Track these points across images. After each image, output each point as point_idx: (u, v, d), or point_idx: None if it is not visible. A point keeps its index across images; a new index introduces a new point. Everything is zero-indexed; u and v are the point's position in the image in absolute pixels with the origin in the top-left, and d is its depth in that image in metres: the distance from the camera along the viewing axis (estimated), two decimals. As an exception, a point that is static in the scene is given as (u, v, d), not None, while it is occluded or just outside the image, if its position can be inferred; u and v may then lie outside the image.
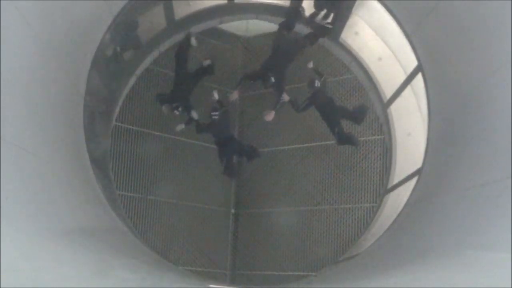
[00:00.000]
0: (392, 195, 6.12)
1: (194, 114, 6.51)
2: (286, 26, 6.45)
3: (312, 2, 6.58)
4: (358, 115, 6.32)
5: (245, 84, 6.95)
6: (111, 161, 6.37)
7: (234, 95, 6.81)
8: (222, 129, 6.41)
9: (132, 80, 6.74)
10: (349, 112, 6.36)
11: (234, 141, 6.67)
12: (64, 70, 3.89)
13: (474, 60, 3.49)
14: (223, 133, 6.44)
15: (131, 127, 6.66)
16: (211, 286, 5.21)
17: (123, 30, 5.56)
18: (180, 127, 6.57)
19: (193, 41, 6.69)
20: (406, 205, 4.73)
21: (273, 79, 6.29)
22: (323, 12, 6.69)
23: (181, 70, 6.58)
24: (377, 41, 6.71)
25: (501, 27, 2.93)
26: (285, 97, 6.30)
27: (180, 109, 6.48)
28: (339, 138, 6.26)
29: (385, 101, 6.45)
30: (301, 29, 6.83)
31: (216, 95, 6.51)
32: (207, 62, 6.80)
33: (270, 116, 6.39)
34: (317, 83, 6.13)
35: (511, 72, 2.81)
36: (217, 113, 6.20)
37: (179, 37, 6.88)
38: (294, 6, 6.49)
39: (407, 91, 5.97)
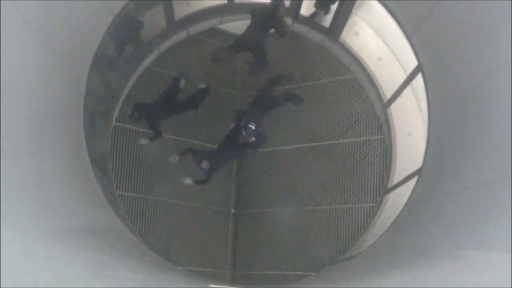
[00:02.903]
0: (392, 195, 6.11)
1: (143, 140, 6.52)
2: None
3: (313, 3, 6.60)
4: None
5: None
6: (111, 161, 6.37)
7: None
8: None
9: (132, 80, 6.74)
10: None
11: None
12: (64, 70, 3.89)
13: (474, 60, 3.49)
14: None
15: (131, 127, 6.66)
16: (211, 286, 5.21)
17: (125, 29, 5.54)
18: (144, 141, 6.55)
19: (182, 83, 6.43)
20: (406, 205, 4.72)
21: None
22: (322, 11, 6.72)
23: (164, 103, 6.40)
24: (377, 41, 6.72)
25: (501, 27, 2.93)
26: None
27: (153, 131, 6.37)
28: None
29: (385, 101, 6.45)
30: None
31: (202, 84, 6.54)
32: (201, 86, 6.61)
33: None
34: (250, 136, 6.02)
35: (511, 72, 2.81)
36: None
37: (179, 37, 6.89)
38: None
39: (407, 91, 5.96)
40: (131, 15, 5.64)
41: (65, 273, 2.49)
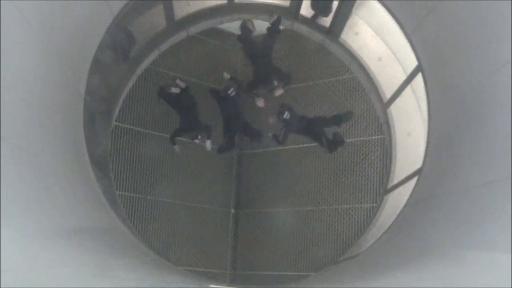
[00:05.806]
0: (392, 195, 6.12)
1: (208, 145, 6.69)
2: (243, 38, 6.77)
3: (309, 3, 6.59)
4: (340, 120, 6.54)
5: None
6: (111, 161, 6.36)
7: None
8: (234, 107, 6.65)
9: (132, 80, 6.74)
10: (328, 120, 6.58)
11: (242, 119, 6.83)
12: (64, 70, 3.89)
13: (474, 60, 3.49)
14: (234, 110, 6.68)
15: (131, 127, 6.66)
16: (211, 286, 5.22)
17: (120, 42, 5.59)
18: (178, 148, 6.72)
19: (180, 83, 6.66)
20: (406, 205, 4.73)
21: (275, 83, 6.71)
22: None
23: (180, 103, 6.62)
24: (377, 41, 6.71)
25: (501, 27, 2.93)
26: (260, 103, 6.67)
27: (199, 136, 6.56)
28: (328, 147, 6.52)
29: (385, 101, 6.45)
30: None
31: (227, 75, 6.72)
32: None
33: (260, 101, 6.72)
34: (287, 115, 6.31)
35: (511, 72, 2.81)
36: (233, 89, 6.43)
37: (179, 37, 6.88)
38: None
39: (407, 91, 5.96)
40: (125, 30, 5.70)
41: (65, 273, 2.49)
